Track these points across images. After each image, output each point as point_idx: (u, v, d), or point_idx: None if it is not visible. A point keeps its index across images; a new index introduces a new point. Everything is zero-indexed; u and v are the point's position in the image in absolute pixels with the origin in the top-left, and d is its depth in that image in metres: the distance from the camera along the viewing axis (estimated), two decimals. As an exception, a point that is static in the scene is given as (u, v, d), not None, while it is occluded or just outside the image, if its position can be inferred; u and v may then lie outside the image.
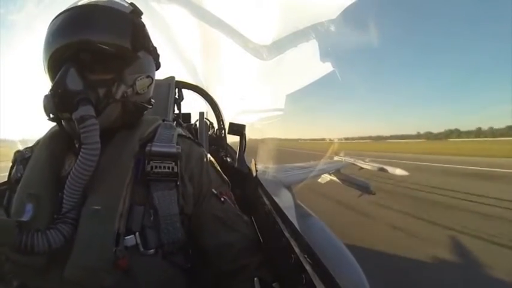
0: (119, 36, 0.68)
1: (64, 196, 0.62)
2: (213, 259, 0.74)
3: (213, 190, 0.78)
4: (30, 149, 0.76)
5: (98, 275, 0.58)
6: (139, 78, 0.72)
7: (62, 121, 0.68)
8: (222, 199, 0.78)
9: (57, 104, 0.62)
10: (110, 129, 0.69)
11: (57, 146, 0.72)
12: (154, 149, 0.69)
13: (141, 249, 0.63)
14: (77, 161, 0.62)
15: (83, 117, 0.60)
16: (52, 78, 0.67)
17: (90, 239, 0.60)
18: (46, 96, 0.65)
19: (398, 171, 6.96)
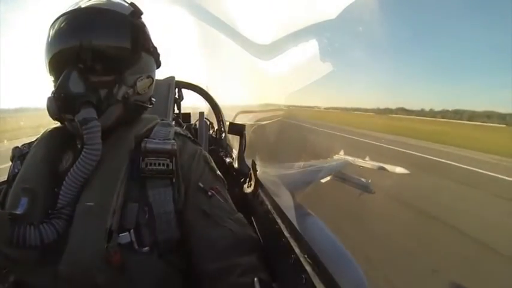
0: (120, 39, 0.68)
1: (61, 192, 0.63)
2: (197, 257, 0.70)
3: (200, 184, 0.74)
4: (28, 145, 0.77)
5: (90, 272, 0.58)
6: (140, 79, 0.73)
7: (65, 122, 0.69)
8: (209, 193, 0.74)
9: (60, 106, 0.64)
10: (109, 128, 0.69)
11: (55, 143, 0.73)
12: (149, 145, 0.69)
13: (136, 246, 0.63)
14: (79, 160, 0.63)
15: (86, 119, 0.62)
16: (54, 79, 0.68)
17: (82, 235, 0.60)
18: (49, 98, 0.66)
19: (398, 170, 6.96)
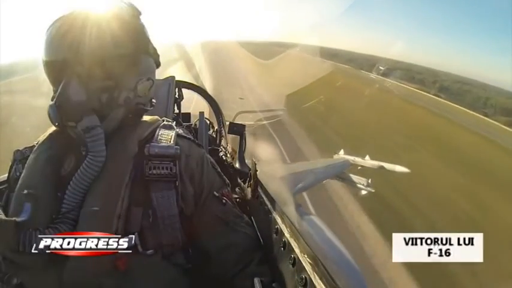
0: (120, 44, 0.68)
1: (65, 196, 0.63)
2: (217, 260, 0.75)
3: (215, 192, 0.78)
4: (30, 148, 0.76)
5: (97, 276, 0.59)
6: (140, 82, 0.73)
7: (68, 128, 0.69)
8: (223, 201, 0.79)
9: (62, 115, 0.64)
10: (112, 131, 0.70)
11: (57, 146, 0.73)
12: (152, 149, 0.70)
13: (140, 250, 0.64)
14: (83, 166, 0.64)
15: (89, 127, 0.63)
16: (53, 83, 0.68)
17: None
18: (51, 105, 0.65)
19: (398, 168, 6.96)
